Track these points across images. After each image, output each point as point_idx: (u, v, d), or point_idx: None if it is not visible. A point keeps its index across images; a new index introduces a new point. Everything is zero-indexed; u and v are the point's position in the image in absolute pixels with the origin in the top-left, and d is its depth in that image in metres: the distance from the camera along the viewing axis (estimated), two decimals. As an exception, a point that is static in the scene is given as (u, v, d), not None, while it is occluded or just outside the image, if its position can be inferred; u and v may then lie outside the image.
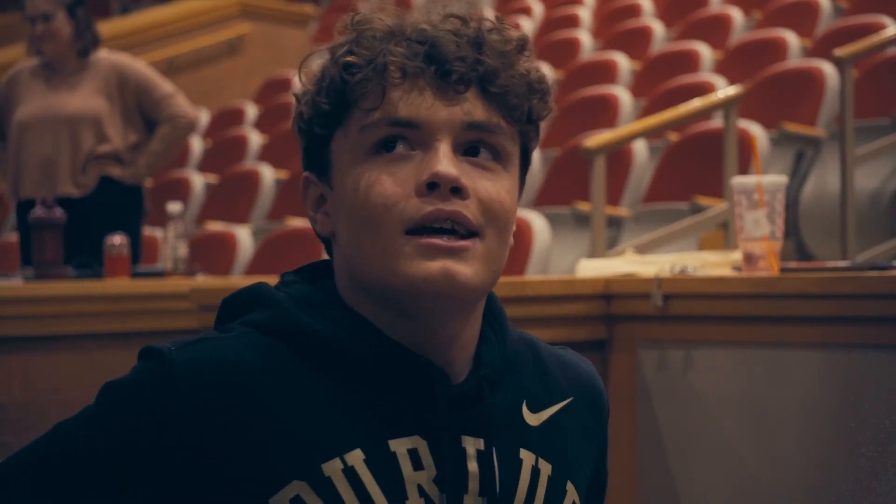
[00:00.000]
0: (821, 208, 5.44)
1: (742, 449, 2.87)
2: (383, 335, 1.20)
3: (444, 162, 1.16)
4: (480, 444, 1.21)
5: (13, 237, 7.12)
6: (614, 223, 5.47)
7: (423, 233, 1.17)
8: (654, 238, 4.64)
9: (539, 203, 5.87)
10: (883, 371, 2.64)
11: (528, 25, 9.02)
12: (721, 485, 2.92)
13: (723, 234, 4.65)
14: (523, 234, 4.80)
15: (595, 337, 3.12)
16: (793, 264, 3.19)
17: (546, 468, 1.26)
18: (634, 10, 8.57)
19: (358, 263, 1.20)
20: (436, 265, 1.16)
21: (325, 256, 1.31)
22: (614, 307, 3.10)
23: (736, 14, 7.57)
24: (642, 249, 4.25)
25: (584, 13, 8.91)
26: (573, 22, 8.79)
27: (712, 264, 3.15)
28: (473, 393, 1.22)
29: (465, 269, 1.17)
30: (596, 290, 3.12)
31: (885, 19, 6.11)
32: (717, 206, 4.91)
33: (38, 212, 4.22)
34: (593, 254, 4.37)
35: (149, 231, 6.12)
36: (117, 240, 4.27)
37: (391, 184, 1.17)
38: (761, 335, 2.83)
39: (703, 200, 5.18)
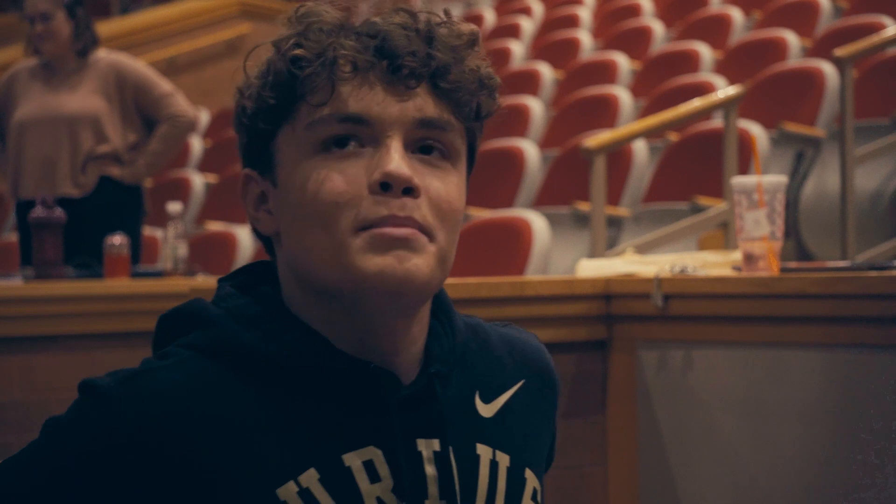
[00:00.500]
0: (821, 208, 5.44)
1: (742, 449, 2.87)
2: (328, 345, 1.17)
3: (397, 160, 1.13)
4: (436, 445, 1.18)
5: (13, 237, 7.12)
6: (614, 223, 5.47)
7: (371, 227, 1.13)
8: (654, 238, 4.64)
9: (539, 203, 5.87)
10: (883, 371, 2.64)
11: (528, 25, 9.02)
12: (721, 485, 2.92)
13: (723, 234, 4.65)
14: (523, 234, 4.80)
15: (595, 337, 3.12)
16: (793, 264, 3.19)
17: (504, 460, 1.23)
18: (634, 10, 8.57)
19: (306, 262, 1.15)
20: (389, 257, 1.12)
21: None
22: (614, 307, 3.10)
23: (736, 14, 7.57)
24: (642, 249, 4.25)
25: (584, 13, 8.91)
26: (573, 22, 8.79)
27: (712, 264, 3.15)
28: (425, 392, 1.19)
29: (419, 263, 1.13)
30: (596, 290, 3.12)
31: (885, 19, 6.11)
32: (717, 206, 4.91)
33: (38, 212, 4.22)
34: (593, 254, 4.37)
35: (149, 231, 6.12)
36: (117, 240, 4.27)
37: (342, 181, 1.13)
38: (761, 335, 2.83)
39: (703, 200, 5.18)
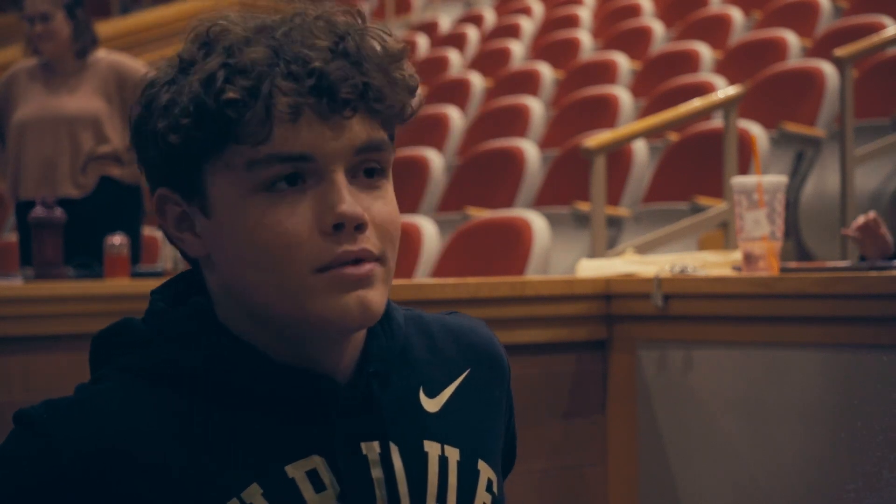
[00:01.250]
0: (821, 208, 5.45)
1: (742, 449, 2.87)
2: (264, 357, 1.15)
3: (348, 200, 1.11)
4: (378, 446, 1.17)
5: (13, 237, 7.12)
6: (614, 223, 5.47)
7: (329, 268, 1.12)
8: (654, 238, 4.64)
9: (539, 203, 5.87)
10: (883, 371, 2.64)
11: (528, 25, 9.02)
12: (721, 485, 2.92)
13: (723, 234, 4.65)
14: (523, 234, 4.80)
15: (595, 337, 3.12)
16: (793, 264, 3.19)
17: (454, 454, 1.22)
18: (634, 10, 8.57)
19: (253, 296, 1.14)
20: (351, 298, 1.11)
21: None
22: (614, 307, 3.10)
23: (736, 14, 7.57)
24: (642, 249, 4.24)
25: (584, 13, 8.91)
26: (573, 22, 8.79)
27: (712, 264, 3.15)
28: (364, 393, 1.18)
29: (376, 296, 1.13)
30: (596, 290, 3.12)
31: (885, 19, 6.11)
32: (717, 206, 4.91)
33: (38, 212, 4.22)
34: (593, 254, 4.37)
35: (149, 231, 6.11)
36: (117, 240, 4.27)
37: (291, 223, 1.11)
38: (761, 335, 2.83)
39: (703, 200, 5.18)
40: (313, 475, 1.15)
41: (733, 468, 2.88)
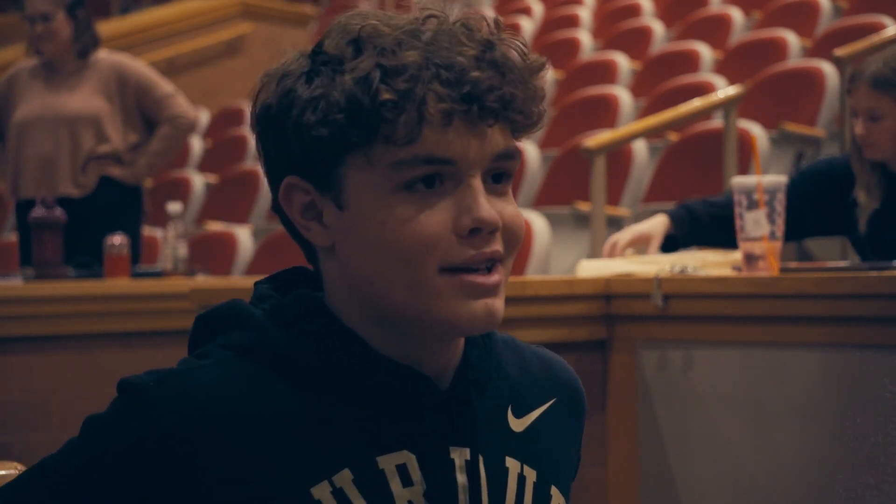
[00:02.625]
0: (821, 208, 5.44)
1: (742, 449, 2.87)
2: (368, 348, 1.19)
3: (486, 206, 1.15)
4: (468, 454, 1.20)
5: (13, 237, 7.12)
6: (614, 223, 5.47)
7: (458, 271, 1.16)
8: (654, 238, 4.63)
9: (539, 203, 5.87)
10: (883, 371, 2.64)
11: (528, 25, 9.02)
12: (721, 485, 2.92)
13: (723, 234, 4.64)
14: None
15: (595, 337, 3.12)
16: (793, 264, 3.19)
17: (531, 475, 1.25)
18: (634, 10, 8.57)
19: (377, 289, 1.17)
20: (479, 305, 1.16)
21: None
22: (614, 307, 3.10)
23: (736, 14, 7.57)
24: (643, 250, 4.24)
25: (584, 13, 8.91)
26: (573, 22, 8.79)
27: (712, 264, 3.15)
28: (460, 399, 1.21)
29: (500, 304, 1.17)
30: (596, 290, 3.12)
31: (885, 19, 6.11)
32: (717, 206, 4.91)
33: (38, 211, 4.22)
34: (593, 254, 4.37)
35: (149, 231, 6.12)
36: (117, 240, 4.27)
37: (429, 224, 1.15)
38: (761, 335, 2.83)
39: (703, 200, 5.18)
40: (402, 470, 1.18)
41: (733, 468, 2.89)
